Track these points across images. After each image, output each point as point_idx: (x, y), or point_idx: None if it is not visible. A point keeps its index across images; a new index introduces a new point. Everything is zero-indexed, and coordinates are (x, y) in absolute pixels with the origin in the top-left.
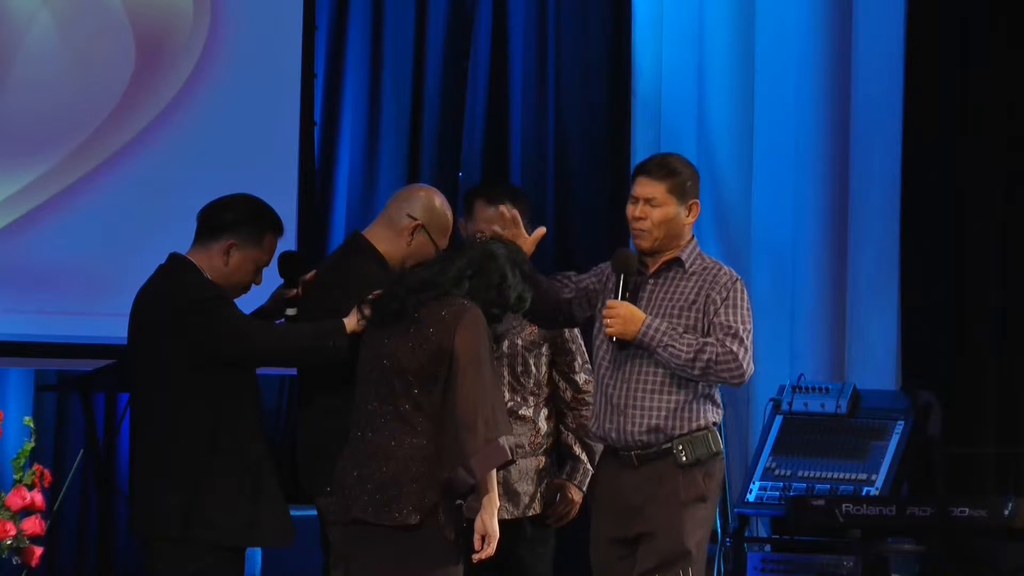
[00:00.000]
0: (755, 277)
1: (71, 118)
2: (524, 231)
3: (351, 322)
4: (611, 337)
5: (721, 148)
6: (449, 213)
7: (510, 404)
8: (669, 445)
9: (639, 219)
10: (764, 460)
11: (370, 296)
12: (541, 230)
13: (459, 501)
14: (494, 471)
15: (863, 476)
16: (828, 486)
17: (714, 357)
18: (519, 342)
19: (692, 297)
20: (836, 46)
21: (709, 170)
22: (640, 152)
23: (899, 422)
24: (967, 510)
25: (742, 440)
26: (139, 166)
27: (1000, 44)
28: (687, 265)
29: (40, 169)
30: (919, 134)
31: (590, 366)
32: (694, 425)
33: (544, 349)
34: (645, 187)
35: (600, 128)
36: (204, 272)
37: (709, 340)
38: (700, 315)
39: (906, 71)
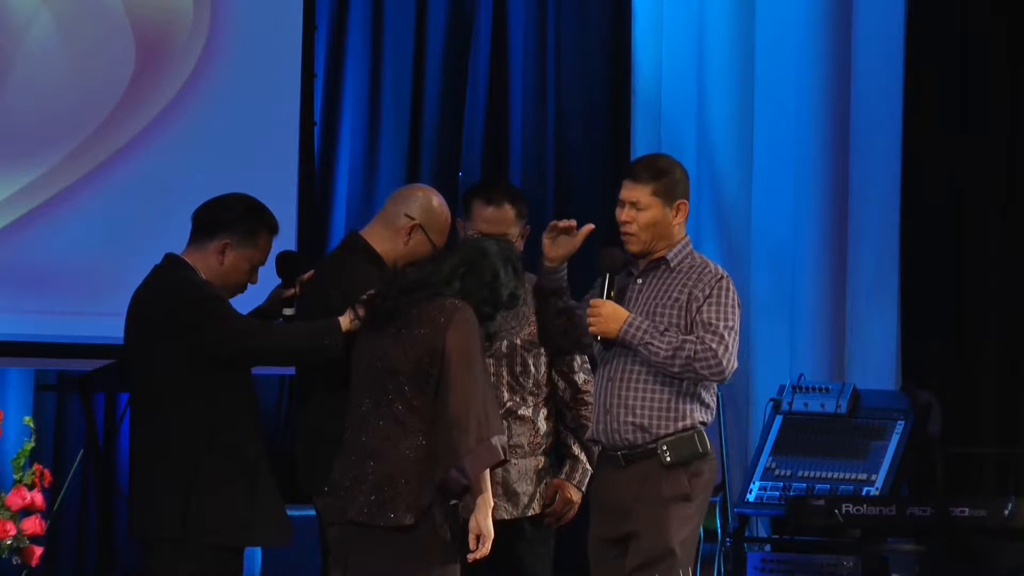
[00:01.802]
0: (755, 277)
1: (71, 118)
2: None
3: (345, 322)
4: (596, 336)
5: (721, 148)
6: (447, 213)
7: (509, 404)
8: (654, 445)
9: (626, 223)
10: (764, 460)
11: (364, 296)
12: (589, 227)
13: (454, 501)
14: (487, 471)
15: (863, 476)
16: (828, 486)
17: (692, 354)
18: (518, 342)
19: (675, 295)
20: (836, 46)
21: (709, 170)
22: (640, 152)
23: (899, 422)
24: (967, 510)
25: (742, 440)
26: (139, 166)
27: (1000, 43)
28: (673, 264)
29: (40, 169)
30: (919, 134)
31: (589, 366)
32: (679, 425)
33: (543, 349)
34: (630, 191)
35: (600, 128)
36: (199, 272)
37: (689, 338)
38: (683, 312)
39: (906, 71)
